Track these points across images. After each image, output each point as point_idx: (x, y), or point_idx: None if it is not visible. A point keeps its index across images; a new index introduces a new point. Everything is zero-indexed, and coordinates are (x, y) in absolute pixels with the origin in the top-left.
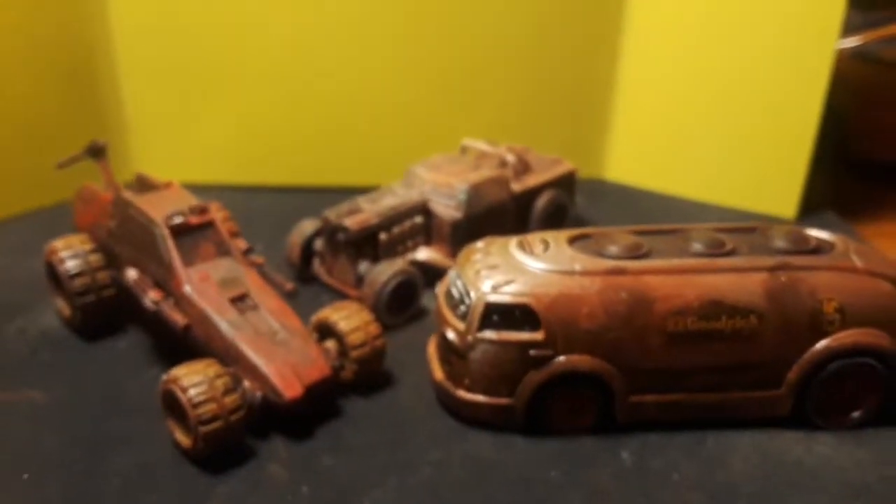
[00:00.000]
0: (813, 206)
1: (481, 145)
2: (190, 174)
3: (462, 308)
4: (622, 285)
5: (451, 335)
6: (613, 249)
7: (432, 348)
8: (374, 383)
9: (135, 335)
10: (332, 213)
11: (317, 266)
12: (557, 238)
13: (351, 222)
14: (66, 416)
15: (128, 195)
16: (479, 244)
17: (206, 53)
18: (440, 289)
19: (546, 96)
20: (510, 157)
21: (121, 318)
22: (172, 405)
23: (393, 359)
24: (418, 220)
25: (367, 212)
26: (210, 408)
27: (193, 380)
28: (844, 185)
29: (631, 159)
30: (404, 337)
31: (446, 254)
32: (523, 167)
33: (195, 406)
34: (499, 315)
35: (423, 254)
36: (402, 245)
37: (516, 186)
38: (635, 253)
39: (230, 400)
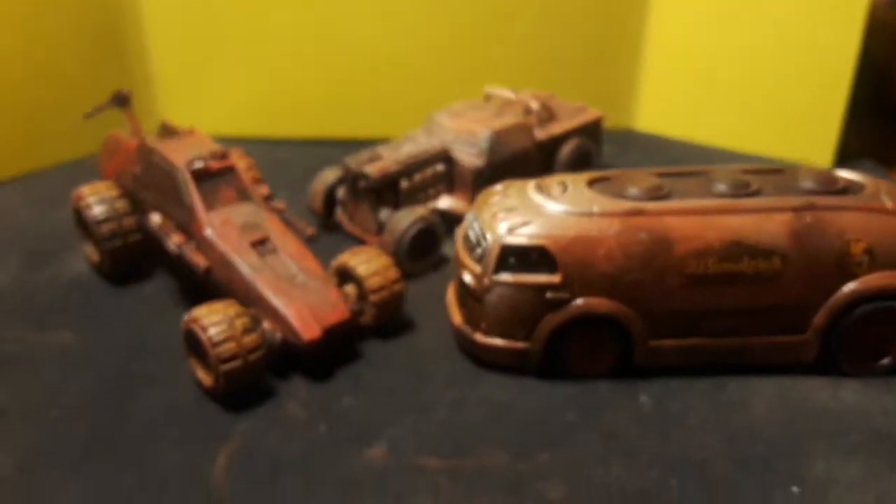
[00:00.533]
0: (849, 154)
1: (505, 92)
2: (214, 126)
3: (479, 251)
4: (641, 226)
5: (467, 278)
6: (633, 191)
7: (451, 293)
8: (394, 328)
9: (161, 279)
10: (352, 161)
11: (339, 214)
12: (577, 180)
13: (371, 169)
14: (94, 357)
15: (152, 142)
16: (498, 187)
17: (231, 6)
18: (458, 233)
19: (573, 41)
20: (534, 104)
21: (147, 262)
22: (194, 344)
23: (413, 305)
24: (440, 167)
25: (387, 159)
26: (229, 346)
27: (213, 319)
28: (883, 134)
29: (661, 108)
30: (425, 284)
31: (468, 202)
32: (548, 114)
33: (215, 345)
34: (515, 257)
35: (445, 202)
36: (423, 193)
37: (540, 134)
38: (655, 194)
39: (249, 339)
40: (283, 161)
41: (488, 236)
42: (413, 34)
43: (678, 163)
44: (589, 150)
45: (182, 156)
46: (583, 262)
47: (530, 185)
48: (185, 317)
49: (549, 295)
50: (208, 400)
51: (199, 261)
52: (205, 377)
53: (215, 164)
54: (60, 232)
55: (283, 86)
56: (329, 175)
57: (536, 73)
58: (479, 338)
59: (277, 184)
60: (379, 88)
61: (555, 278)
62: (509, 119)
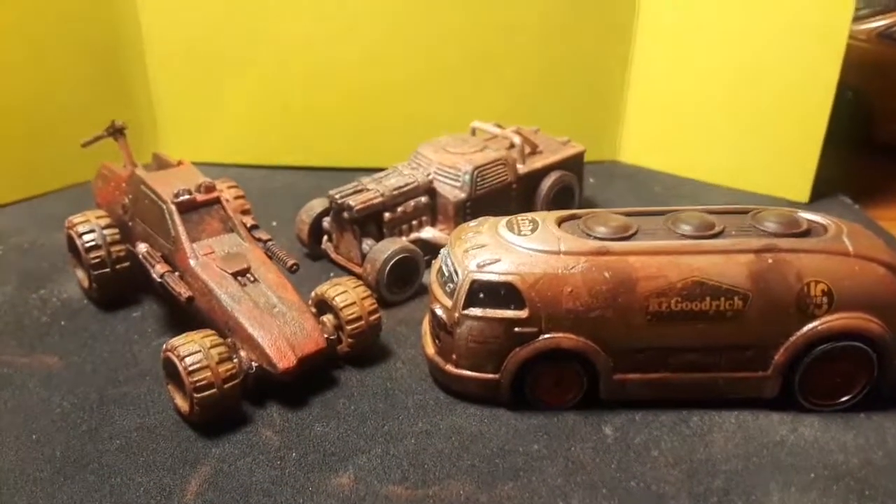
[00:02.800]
0: (826, 190)
1: (490, 127)
2: (212, 154)
3: (451, 285)
4: (606, 265)
5: (439, 311)
6: (601, 230)
7: (426, 324)
8: (370, 356)
9: (148, 306)
10: (337, 193)
11: (325, 243)
12: (547, 218)
13: (355, 202)
14: (77, 380)
15: (140, 173)
16: (472, 223)
17: (228, 38)
18: (433, 267)
19: (559, 78)
20: (516, 139)
21: (136, 289)
22: (172, 372)
23: (391, 333)
24: (423, 199)
25: (371, 192)
26: (205, 376)
27: (190, 349)
28: (862, 170)
29: (644, 141)
30: (404, 312)
31: (451, 232)
32: (531, 148)
33: (191, 373)
34: (484, 293)
35: (428, 232)
36: (406, 224)
37: (522, 168)
38: (622, 234)
39: (225, 369)
40: (276, 189)
41: (460, 271)
42: (403, 69)
43: (659, 196)
44: (570, 183)
45: (169, 188)
46: (549, 298)
47: (502, 223)
48: (165, 345)
49: (517, 329)
50: (185, 425)
51: (182, 290)
52: (182, 403)
53: (201, 197)
54: (57, 255)
55: (277, 116)
56: (316, 205)
57: (523, 107)
58: (451, 369)
59: (270, 212)
60: (369, 120)
61: (522, 314)
62: (491, 153)
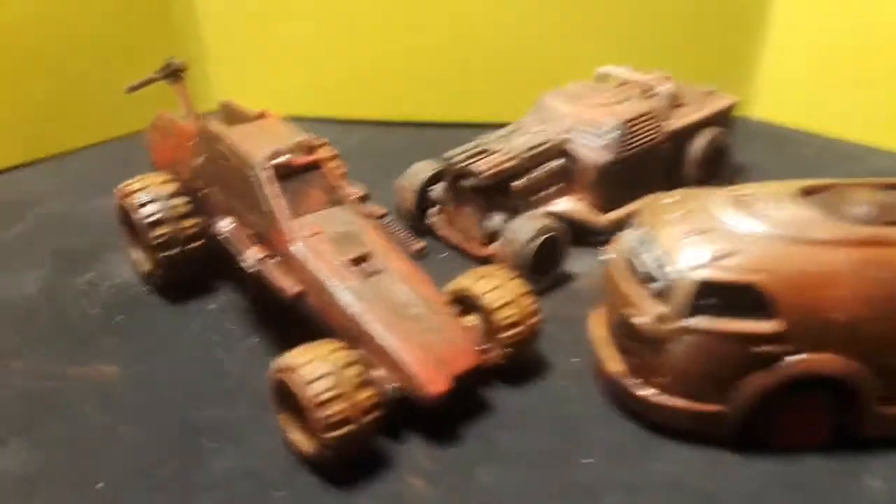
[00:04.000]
0: None
1: (624, 72)
2: (271, 104)
3: (658, 285)
4: (883, 261)
5: (640, 320)
6: (863, 210)
7: (598, 329)
8: (521, 368)
9: (226, 294)
10: (457, 155)
11: (433, 217)
12: (781, 193)
13: (482, 166)
14: (146, 399)
15: (217, 127)
16: (669, 198)
17: None
18: (612, 254)
19: (685, 16)
20: (665, 87)
21: (211, 273)
22: (287, 399)
23: (541, 335)
24: (557, 163)
25: (499, 154)
26: (340, 408)
27: (318, 370)
28: None
29: (783, 94)
30: (548, 306)
31: (590, 205)
32: (676, 100)
33: (321, 405)
34: (715, 297)
35: (563, 205)
36: (537, 194)
37: (671, 123)
38: (888, 217)
39: (364, 397)
40: (353, 148)
41: (674, 266)
42: (513, 2)
43: (808, 160)
44: (724, 144)
45: (258, 147)
46: (807, 306)
47: (721, 198)
48: (277, 363)
49: (758, 348)
50: (302, 468)
51: (287, 284)
52: (303, 441)
53: (300, 160)
54: (99, 226)
55: (357, 59)
56: (422, 170)
57: (640, 49)
58: (652, 395)
59: (351, 177)
60: (468, 65)
61: (769, 326)
62: (639, 105)
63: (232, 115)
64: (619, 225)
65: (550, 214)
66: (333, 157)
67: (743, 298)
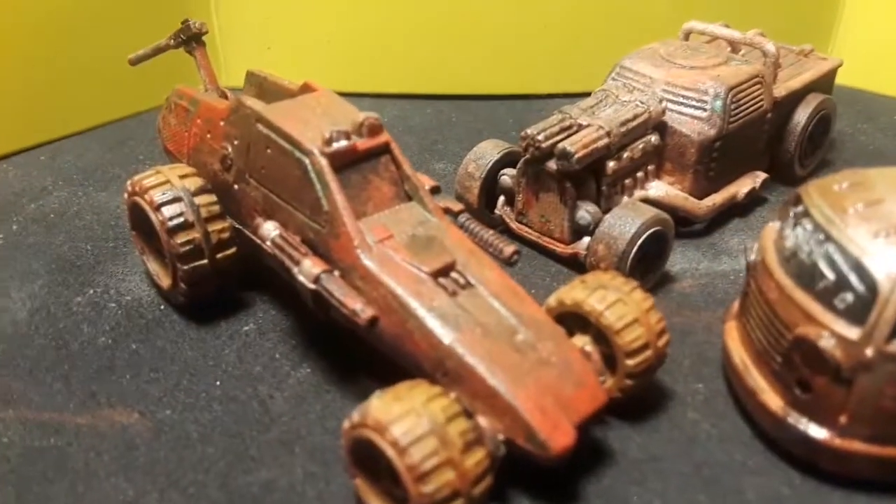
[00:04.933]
0: None
1: (717, 29)
2: (293, 76)
3: (845, 297)
4: None
5: (827, 343)
6: None
7: (741, 346)
8: (641, 399)
9: (263, 312)
10: (538, 133)
11: (501, 207)
12: None
13: (575, 146)
14: (176, 457)
15: (256, 104)
16: (845, 181)
17: None
18: (762, 249)
19: None
20: (770, 46)
21: (243, 286)
22: (367, 459)
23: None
24: (653, 139)
25: (590, 130)
26: (447, 479)
27: (416, 428)
28: None
29: (871, 55)
30: None
31: (689, 189)
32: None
33: (422, 477)
34: None
35: (656, 189)
36: (629, 177)
37: (779, 87)
38: None
39: (474, 462)
40: (390, 125)
41: (872, 275)
42: None
43: None
44: (831, 113)
45: (311, 129)
46: None
47: None
48: (356, 416)
49: None
50: None
51: (358, 305)
52: None
53: (364, 144)
54: (104, 228)
55: (384, 27)
56: (489, 151)
57: (711, 5)
58: (830, 438)
59: None
60: (520, 26)
61: None
62: (745, 68)
63: (264, 90)
64: (717, 212)
65: (644, 201)
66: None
67: None
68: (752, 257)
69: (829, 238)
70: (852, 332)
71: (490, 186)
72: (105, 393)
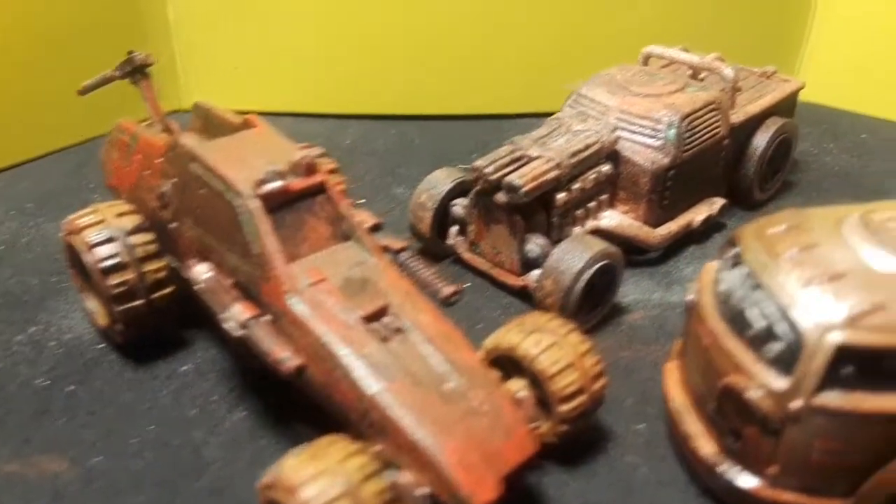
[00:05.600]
0: None
1: (675, 53)
2: (255, 100)
3: (776, 347)
4: None
5: (755, 395)
6: None
7: (677, 391)
8: (577, 439)
9: (203, 351)
10: (487, 165)
11: (454, 237)
12: None
13: (522, 179)
14: None
15: (191, 143)
16: (777, 223)
17: None
18: (699, 292)
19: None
20: (728, 70)
21: (182, 323)
22: None
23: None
24: (606, 168)
25: (539, 161)
26: None
27: (326, 491)
28: None
29: (836, 73)
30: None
31: (643, 218)
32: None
33: None
34: (855, 366)
35: (611, 219)
36: (580, 208)
37: (736, 113)
38: None
39: None
40: (350, 147)
41: (800, 325)
42: None
43: (871, 146)
44: (791, 137)
45: (245, 169)
46: None
47: (853, 226)
48: (269, 476)
49: None
50: None
51: (283, 354)
52: None
53: (299, 184)
54: (46, 256)
55: (346, 47)
56: (442, 180)
57: (674, 23)
58: (761, 488)
59: (350, 181)
60: (484, 47)
61: None
62: (701, 95)
63: (209, 122)
64: (672, 240)
65: (595, 231)
66: (333, 172)
67: (891, 367)
68: (690, 297)
69: (760, 285)
70: (780, 383)
71: (443, 216)
72: (39, 438)
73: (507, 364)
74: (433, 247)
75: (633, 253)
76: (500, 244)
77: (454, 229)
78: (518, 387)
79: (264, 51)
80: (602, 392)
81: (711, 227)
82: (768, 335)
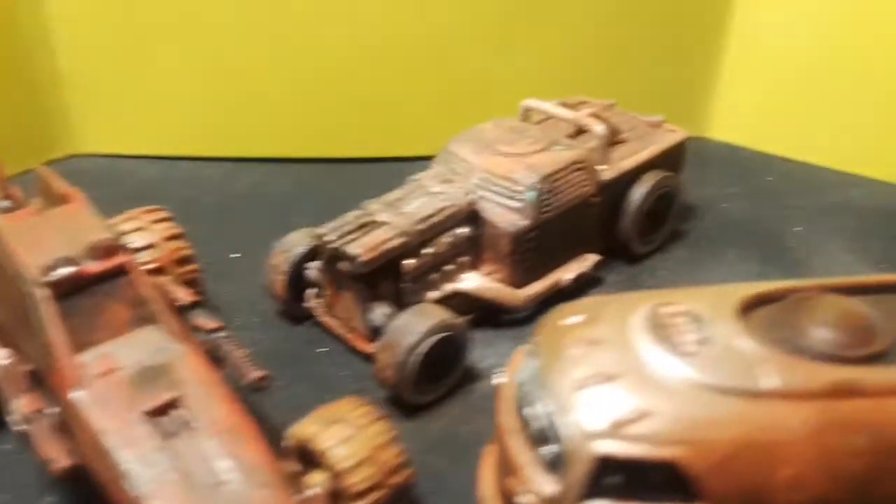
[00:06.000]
0: None
1: (553, 108)
2: (148, 144)
3: (549, 450)
4: (857, 419)
5: (524, 499)
6: (824, 337)
7: (489, 481)
8: None
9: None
10: (331, 232)
11: (312, 300)
12: (718, 307)
13: (360, 248)
14: None
15: None
16: (577, 315)
17: None
18: (504, 377)
19: (628, 24)
20: (598, 128)
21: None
22: None
23: (419, 468)
24: (463, 231)
25: (385, 228)
26: None
27: None
28: None
29: (745, 112)
30: (438, 424)
31: (506, 280)
32: (613, 137)
33: None
34: (621, 475)
35: (471, 282)
36: (436, 272)
37: (606, 171)
38: (868, 346)
39: None
40: (242, 193)
41: (569, 429)
42: (420, 20)
43: (775, 188)
44: (673, 190)
45: (40, 253)
46: (750, 487)
47: (638, 322)
48: None
49: None
50: None
51: (54, 453)
52: None
53: (94, 268)
54: None
55: (242, 90)
56: (297, 242)
57: (580, 67)
58: None
59: (231, 231)
60: (375, 96)
61: None
62: (564, 154)
63: (47, 190)
64: (538, 300)
65: (455, 294)
66: (173, 237)
67: (658, 479)
68: (497, 380)
69: (540, 380)
70: (551, 489)
71: (298, 278)
72: None
73: (311, 457)
74: (291, 309)
75: (501, 312)
76: (351, 310)
77: (311, 292)
78: (318, 481)
79: (159, 95)
80: (406, 484)
81: (587, 283)
82: (543, 437)
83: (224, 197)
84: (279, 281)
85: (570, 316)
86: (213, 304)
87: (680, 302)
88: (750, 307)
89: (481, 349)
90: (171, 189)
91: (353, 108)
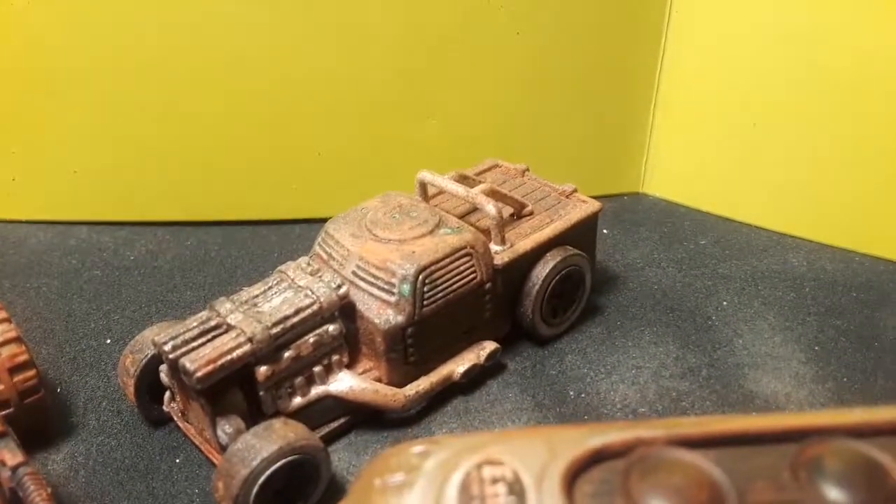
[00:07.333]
0: None
1: (447, 183)
2: (52, 210)
3: None
4: None
5: None
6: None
7: None
8: None
9: None
10: (168, 340)
11: (170, 403)
12: (546, 469)
13: (197, 363)
14: None
15: None
16: (397, 472)
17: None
18: None
19: (556, 83)
20: (491, 209)
21: None
22: None
23: None
24: (332, 329)
25: (231, 334)
26: None
27: None
28: None
29: (680, 170)
30: None
31: (387, 377)
32: (515, 212)
33: None
34: None
35: (342, 383)
36: (301, 375)
37: (501, 254)
38: None
39: None
40: (133, 263)
41: None
42: (318, 79)
43: (707, 251)
44: (579, 271)
45: None
46: None
47: (452, 492)
48: None
49: None
50: None
51: None
52: None
53: None
54: None
55: (137, 152)
56: (148, 342)
57: (501, 125)
58: None
59: (117, 306)
60: (267, 161)
61: None
62: (448, 240)
63: None
64: (424, 399)
65: (325, 396)
66: (9, 342)
67: None
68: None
69: None
70: None
71: (152, 380)
72: None
73: None
74: (147, 413)
75: (384, 415)
76: (202, 420)
77: (168, 394)
78: None
79: (44, 160)
80: None
81: (486, 372)
82: None
83: (113, 269)
84: (128, 385)
85: (388, 472)
86: (71, 402)
87: (507, 460)
88: (582, 468)
89: (355, 457)
90: (58, 260)
91: (257, 169)
